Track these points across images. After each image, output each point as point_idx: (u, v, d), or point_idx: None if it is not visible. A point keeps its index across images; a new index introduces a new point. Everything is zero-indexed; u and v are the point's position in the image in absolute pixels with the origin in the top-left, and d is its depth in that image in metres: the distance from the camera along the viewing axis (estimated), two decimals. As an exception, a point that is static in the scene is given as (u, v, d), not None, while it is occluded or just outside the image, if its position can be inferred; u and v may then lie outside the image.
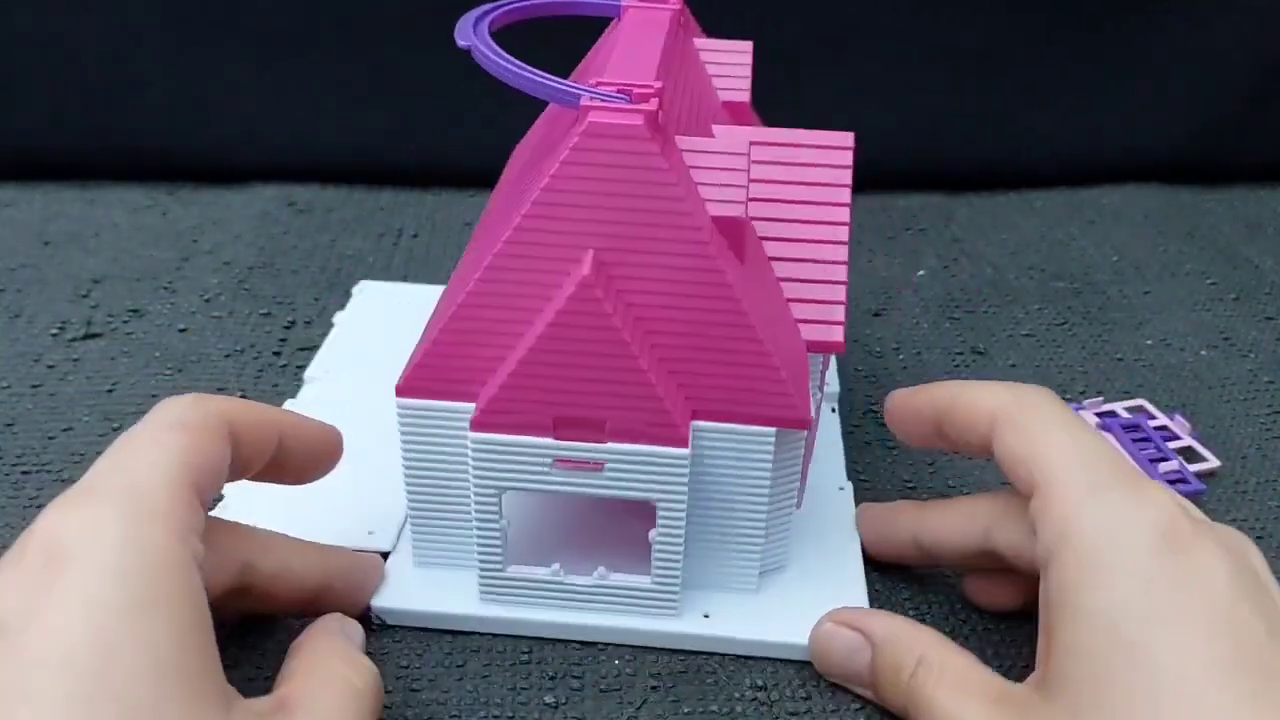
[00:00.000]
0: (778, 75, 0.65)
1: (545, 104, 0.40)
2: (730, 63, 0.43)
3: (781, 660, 0.36)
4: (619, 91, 0.31)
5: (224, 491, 0.32)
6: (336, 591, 0.34)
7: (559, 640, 0.36)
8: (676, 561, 0.35)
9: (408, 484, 0.36)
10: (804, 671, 0.35)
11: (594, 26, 0.44)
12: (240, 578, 0.31)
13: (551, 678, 0.35)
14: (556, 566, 0.36)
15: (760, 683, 0.35)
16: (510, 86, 0.33)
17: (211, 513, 0.32)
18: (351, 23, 0.64)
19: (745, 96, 0.42)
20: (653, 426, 0.32)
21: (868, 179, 0.67)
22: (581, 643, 0.36)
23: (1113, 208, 0.68)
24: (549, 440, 0.33)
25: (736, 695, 0.35)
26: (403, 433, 0.34)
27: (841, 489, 0.42)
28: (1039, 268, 0.61)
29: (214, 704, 0.24)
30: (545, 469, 0.33)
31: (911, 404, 0.36)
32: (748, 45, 0.44)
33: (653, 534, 0.34)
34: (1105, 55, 0.68)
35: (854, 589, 0.37)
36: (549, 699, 0.34)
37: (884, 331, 0.55)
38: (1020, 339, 0.55)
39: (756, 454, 0.34)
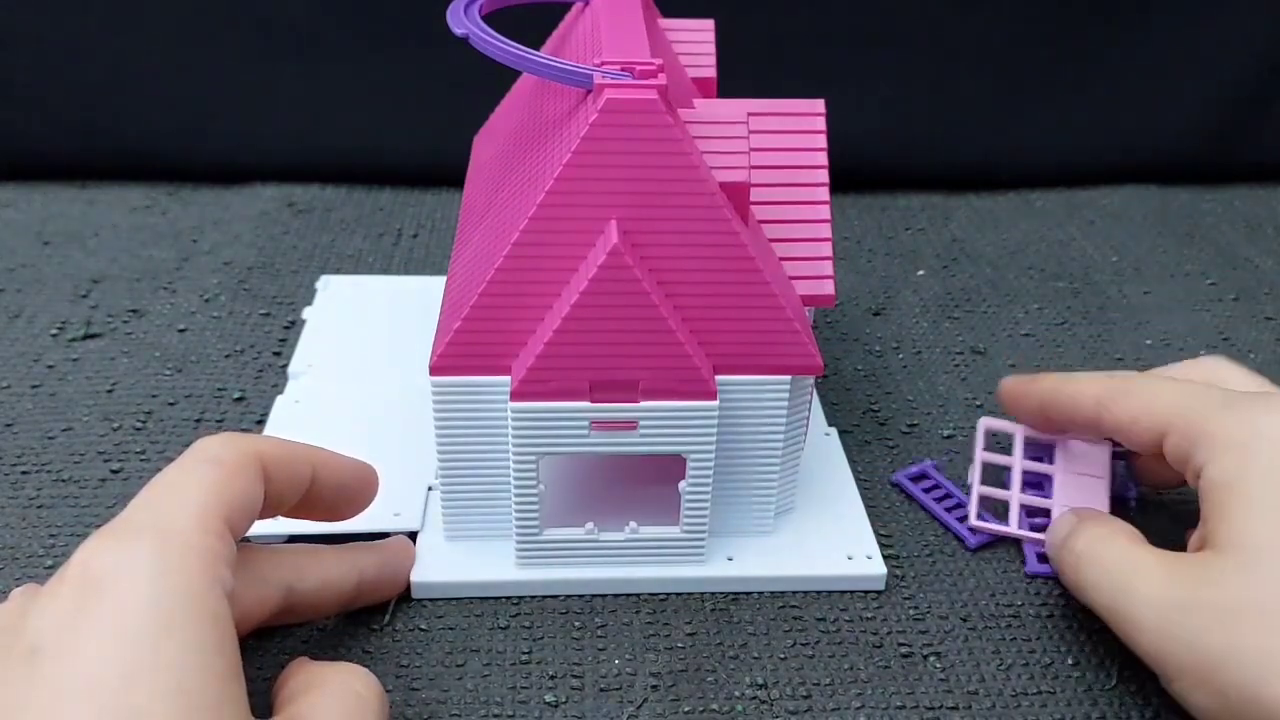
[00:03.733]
0: (777, 75, 0.65)
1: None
2: (694, 40, 0.46)
3: (781, 657, 0.36)
4: (622, 69, 0.33)
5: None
6: (375, 585, 0.36)
7: (595, 595, 0.38)
8: (705, 510, 0.37)
9: (441, 460, 0.37)
10: (804, 670, 0.35)
11: (543, 12, 0.45)
12: (285, 600, 0.32)
13: (551, 677, 0.35)
14: (590, 525, 0.37)
15: (760, 681, 0.35)
16: (506, 80, 0.34)
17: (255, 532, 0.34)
18: (351, 23, 0.64)
19: (711, 73, 0.45)
20: (683, 383, 0.34)
21: (868, 179, 0.68)
22: (607, 601, 0.37)
23: (1113, 208, 0.68)
24: (585, 404, 0.34)
25: (736, 694, 0.34)
26: (436, 410, 0.36)
27: (827, 434, 0.46)
28: (1039, 268, 0.61)
29: None
30: (583, 432, 0.35)
31: (1019, 392, 0.41)
32: (709, 24, 0.47)
33: (683, 485, 0.36)
34: (1105, 55, 0.68)
35: (858, 524, 0.41)
36: (549, 699, 0.34)
37: (884, 331, 0.55)
38: (1020, 339, 0.55)
39: (773, 401, 0.36)
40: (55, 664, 0.24)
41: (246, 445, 0.30)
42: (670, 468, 0.37)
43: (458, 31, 0.36)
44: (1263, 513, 0.31)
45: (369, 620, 0.36)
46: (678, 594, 0.38)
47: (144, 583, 0.25)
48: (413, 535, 0.39)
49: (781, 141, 0.38)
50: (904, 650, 0.36)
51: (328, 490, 0.33)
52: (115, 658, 0.24)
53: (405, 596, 0.38)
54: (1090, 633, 0.37)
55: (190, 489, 0.28)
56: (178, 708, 0.24)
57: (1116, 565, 0.33)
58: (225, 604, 0.26)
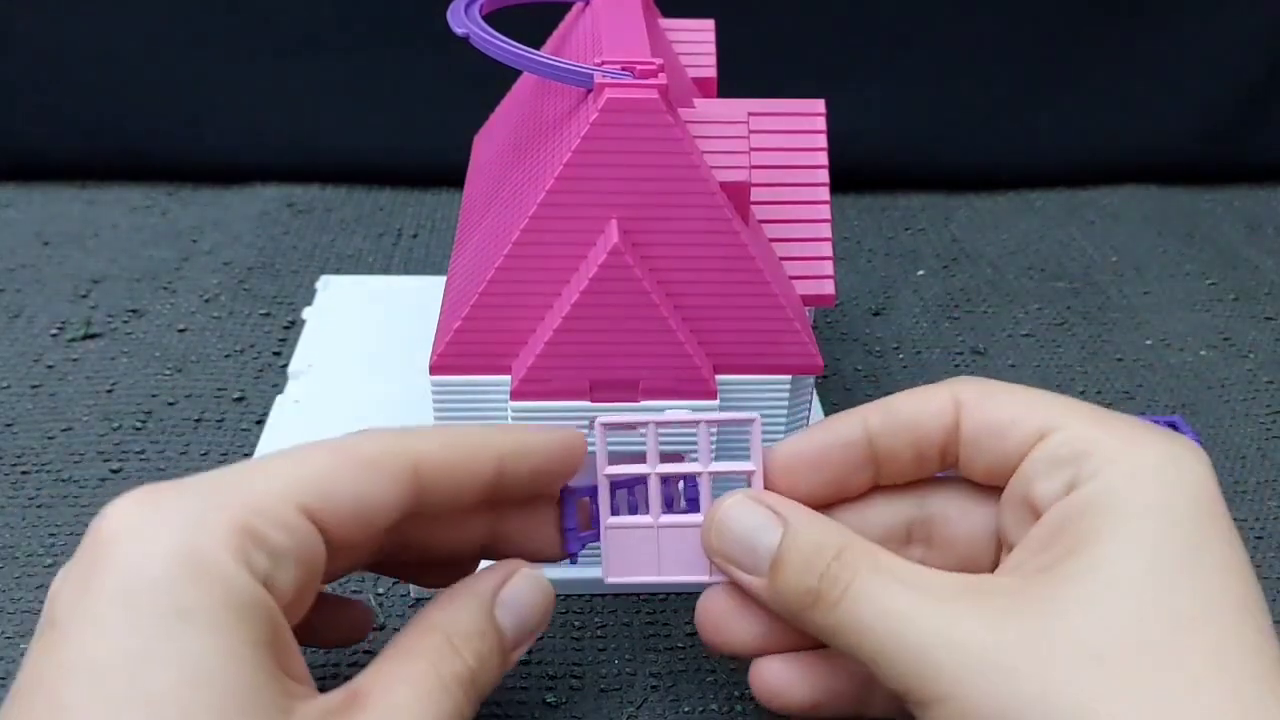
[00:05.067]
0: (777, 75, 0.65)
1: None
2: (694, 40, 0.46)
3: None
4: (622, 69, 0.33)
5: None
6: (516, 477, 0.29)
7: (595, 595, 0.38)
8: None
9: None
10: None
11: (543, 12, 0.45)
12: (495, 474, 0.28)
13: (551, 677, 0.35)
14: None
15: (760, 682, 0.35)
16: (506, 80, 0.34)
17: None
18: (351, 23, 0.64)
19: (711, 73, 0.45)
20: (684, 382, 0.34)
21: (868, 179, 0.68)
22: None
23: (1113, 208, 0.68)
24: (585, 404, 0.34)
25: (736, 695, 0.34)
26: (436, 410, 0.36)
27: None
28: (1039, 268, 0.61)
29: (262, 715, 0.22)
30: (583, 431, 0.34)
31: (825, 442, 0.30)
32: (709, 24, 0.47)
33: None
34: (1105, 55, 0.68)
35: None
36: (549, 699, 0.34)
37: (884, 331, 0.55)
38: (1020, 339, 0.55)
39: (773, 401, 0.36)
40: (65, 639, 0.22)
41: (395, 444, 0.26)
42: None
43: (458, 31, 0.36)
44: (1139, 550, 0.24)
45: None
46: (678, 594, 0.38)
47: (158, 558, 0.22)
48: None
49: (781, 141, 0.38)
50: (904, 650, 0.36)
51: (521, 479, 0.29)
52: (126, 638, 0.22)
53: (405, 596, 0.38)
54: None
55: (275, 467, 0.25)
56: (198, 698, 0.22)
57: (908, 606, 0.25)
58: (260, 593, 0.23)
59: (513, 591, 0.28)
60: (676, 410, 0.31)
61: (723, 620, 0.30)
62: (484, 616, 0.27)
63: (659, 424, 0.30)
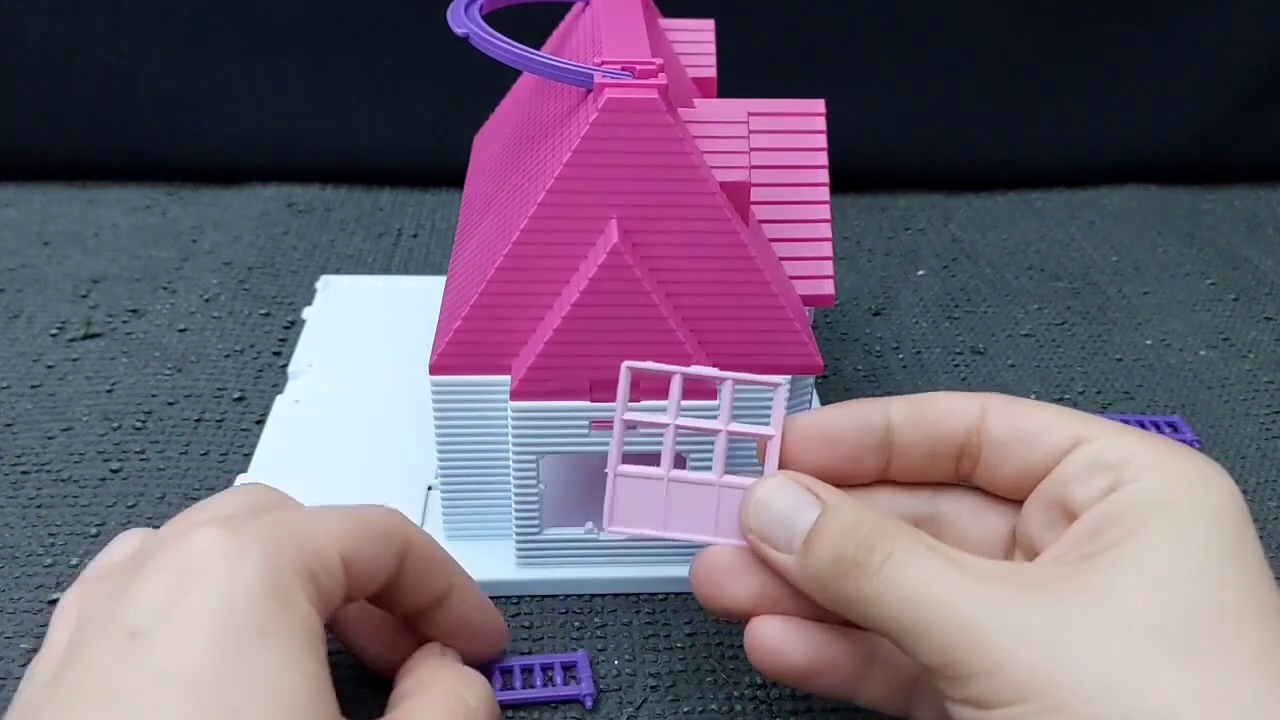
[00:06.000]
0: (777, 75, 0.65)
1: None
2: (695, 40, 0.46)
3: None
4: (623, 69, 0.33)
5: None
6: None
7: (595, 595, 0.38)
8: None
9: (441, 459, 0.37)
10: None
11: (543, 12, 0.45)
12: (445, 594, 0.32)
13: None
14: (590, 525, 0.37)
15: (760, 681, 0.35)
16: (506, 80, 0.34)
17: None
18: (350, 23, 0.64)
19: (711, 73, 0.45)
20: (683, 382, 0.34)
21: (868, 179, 0.68)
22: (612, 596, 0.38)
23: (1113, 208, 0.68)
24: (585, 403, 0.34)
25: (736, 695, 0.34)
26: (436, 410, 0.36)
27: None
28: (1039, 268, 0.61)
29: None
30: (583, 431, 0.35)
31: (846, 420, 0.30)
32: (709, 24, 0.47)
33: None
34: (1105, 55, 0.68)
35: None
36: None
37: (884, 331, 0.55)
38: (1020, 339, 0.55)
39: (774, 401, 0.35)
40: (155, 649, 0.24)
41: (400, 526, 0.30)
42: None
43: (458, 31, 0.36)
44: (1191, 543, 0.25)
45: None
46: (677, 594, 0.38)
47: (244, 578, 0.25)
48: None
49: (781, 141, 0.38)
50: (904, 650, 0.36)
51: (453, 612, 0.32)
52: (214, 651, 0.24)
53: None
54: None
55: (322, 521, 0.28)
56: (274, 710, 0.23)
57: (949, 582, 0.25)
58: (316, 618, 0.26)
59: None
60: (703, 370, 0.30)
61: (722, 577, 0.30)
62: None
63: (685, 377, 0.30)
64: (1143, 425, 0.48)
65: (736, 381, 0.30)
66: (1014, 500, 0.30)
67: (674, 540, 0.30)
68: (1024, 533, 0.29)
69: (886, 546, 0.26)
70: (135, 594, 0.25)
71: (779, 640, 0.29)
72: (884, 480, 0.31)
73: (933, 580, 0.25)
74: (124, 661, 0.24)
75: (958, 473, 0.30)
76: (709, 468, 0.30)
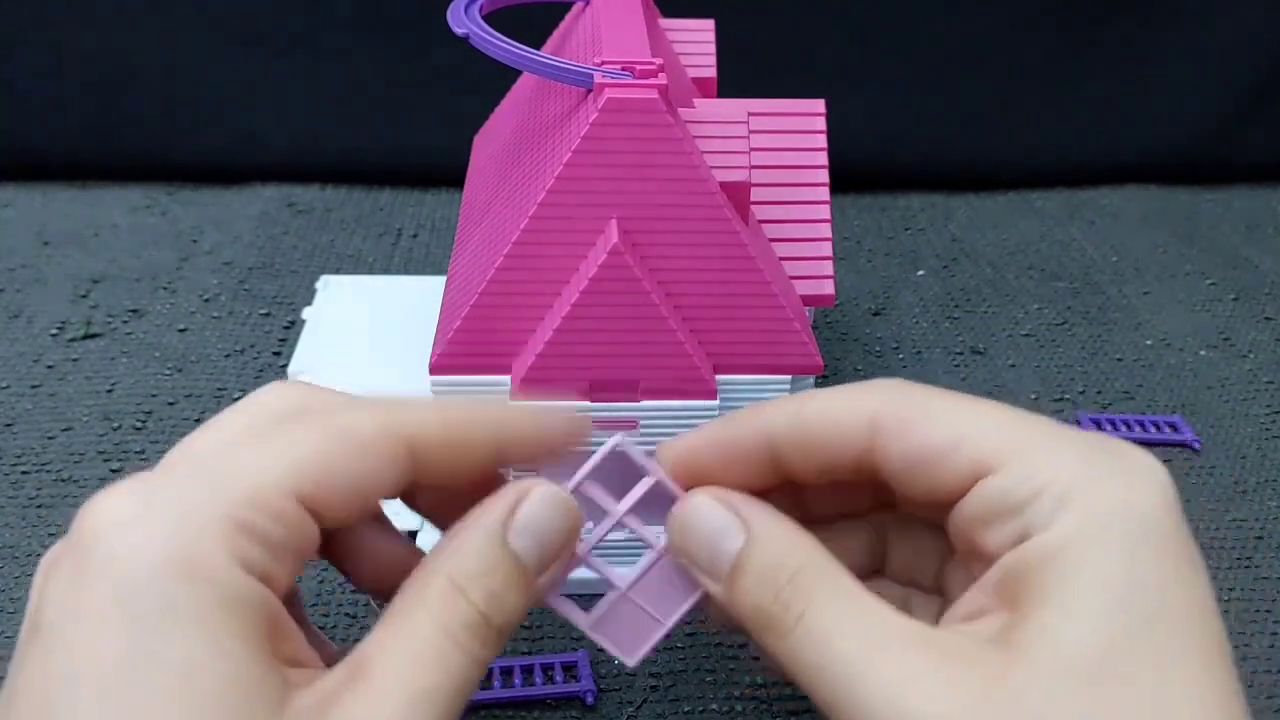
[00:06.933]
0: (777, 75, 0.65)
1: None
2: (695, 40, 0.46)
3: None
4: (623, 69, 0.33)
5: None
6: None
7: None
8: None
9: None
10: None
11: (543, 12, 0.45)
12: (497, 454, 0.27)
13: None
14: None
15: (760, 681, 0.35)
16: (506, 80, 0.34)
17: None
18: (351, 23, 0.64)
19: (711, 73, 0.45)
20: (683, 382, 0.34)
21: (868, 179, 0.68)
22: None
23: (1113, 208, 0.68)
24: (585, 403, 0.35)
25: (736, 694, 0.34)
26: None
27: None
28: (1039, 268, 0.61)
29: (260, 710, 0.22)
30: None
31: (720, 443, 0.27)
32: (709, 24, 0.47)
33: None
34: (1105, 55, 0.68)
35: None
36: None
37: (884, 331, 0.55)
38: (1020, 339, 0.55)
39: None
40: (51, 643, 0.21)
41: (392, 422, 0.25)
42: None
43: (458, 31, 0.36)
44: (1094, 622, 0.22)
45: (365, 618, 0.36)
46: None
47: (147, 554, 0.21)
48: (413, 535, 0.39)
49: (781, 141, 0.39)
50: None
51: (520, 460, 0.27)
52: (114, 642, 0.21)
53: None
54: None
55: (269, 451, 0.24)
56: (188, 705, 0.21)
57: (859, 654, 0.23)
58: (254, 588, 0.22)
59: (529, 514, 0.26)
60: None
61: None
62: (494, 548, 0.25)
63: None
64: (1143, 425, 0.48)
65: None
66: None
67: (682, 620, 0.28)
68: (946, 569, 0.27)
69: (800, 604, 0.24)
70: (40, 578, 0.23)
71: None
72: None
73: (839, 655, 0.23)
74: (36, 662, 0.21)
75: (860, 477, 0.26)
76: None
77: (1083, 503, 0.23)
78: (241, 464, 0.23)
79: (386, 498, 0.26)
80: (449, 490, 0.27)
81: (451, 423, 0.26)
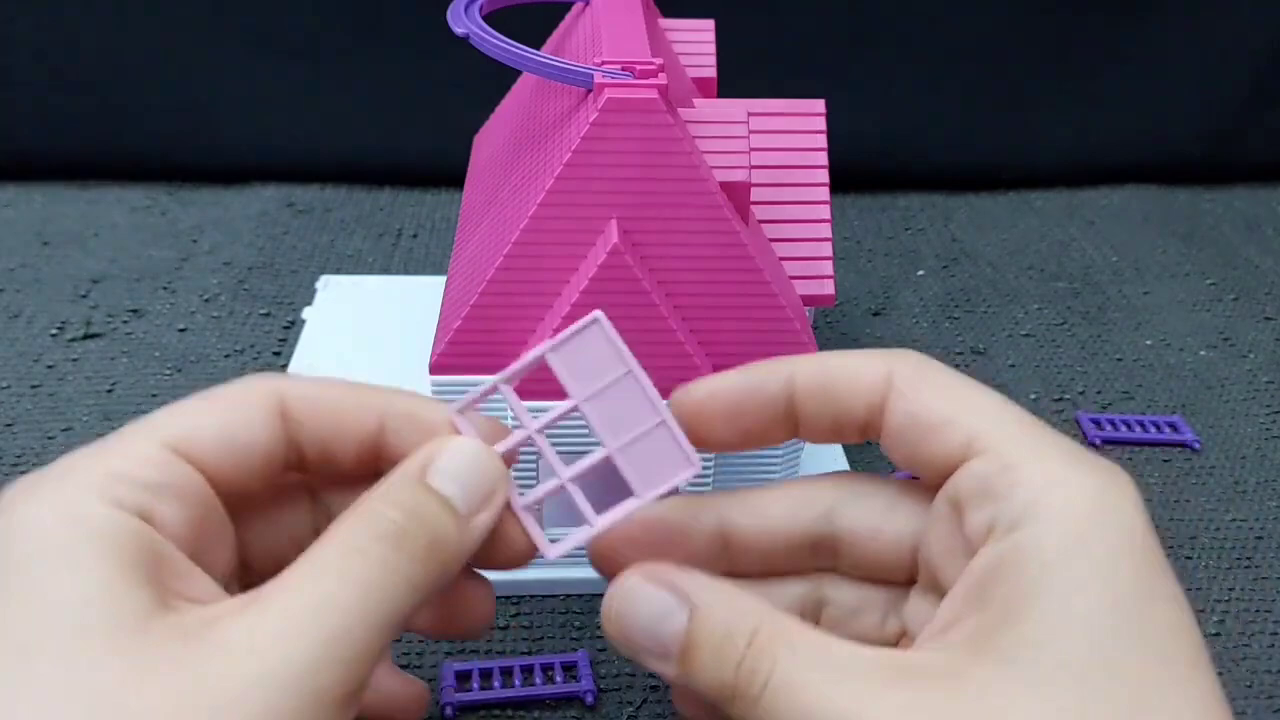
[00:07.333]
0: (777, 75, 0.65)
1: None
2: (694, 40, 0.46)
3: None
4: (623, 69, 0.33)
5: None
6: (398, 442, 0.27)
7: (595, 595, 0.37)
8: None
9: None
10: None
11: (543, 12, 0.45)
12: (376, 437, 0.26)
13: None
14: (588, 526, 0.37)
15: (760, 682, 0.35)
16: (506, 80, 0.34)
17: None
18: (351, 23, 0.64)
19: (711, 73, 0.45)
20: (683, 382, 0.34)
21: (868, 179, 0.68)
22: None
23: (1112, 208, 0.68)
24: (502, 376, 0.34)
25: None
26: None
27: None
28: (1039, 268, 0.61)
29: (117, 623, 0.21)
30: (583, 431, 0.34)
31: (744, 391, 0.27)
32: (709, 24, 0.47)
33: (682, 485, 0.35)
34: (1105, 55, 0.68)
35: None
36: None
37: (884, 331, 0.55)
38: (1020, 339, 0.55)
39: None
40: None
41: (261, 382, 0.26)
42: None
43: (458, 31, 0.36)
44: (1073, 630, 0.22)
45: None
46: None
47: (32, 509, 0.23)
48: None
49: (781, 141, 0.39)
50: (904, 650, 0.36)
51: (407, 448, 0.26)
52: None
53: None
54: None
55: (144, 420, 0.25)
56: (41, 627, 0.21)
57: (835, 703, 0.22)
58: (127, 521, 0.23)
59: (447, 460, 0.25)
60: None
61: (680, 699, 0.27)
62: (410, 484, 0.25)
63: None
64: (1142, 425, 0.48)
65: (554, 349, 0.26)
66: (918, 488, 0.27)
67: (613, 527, 0.27)
68: (927, 549, 0.26)
69: (765, 667, 0.23)
70: None
71: None
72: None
73: (816, 708, 0.22)
74: None
75: (865, 438, 0.27)
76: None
77: (1064, 506, 0.23)
78: (119, 433, 0.25)
79: (266, 453, 0.25)
80: (341, 471, 0.27)
81: (329, 389, 0.26)
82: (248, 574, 0.27)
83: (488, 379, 0.27)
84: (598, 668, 0.35)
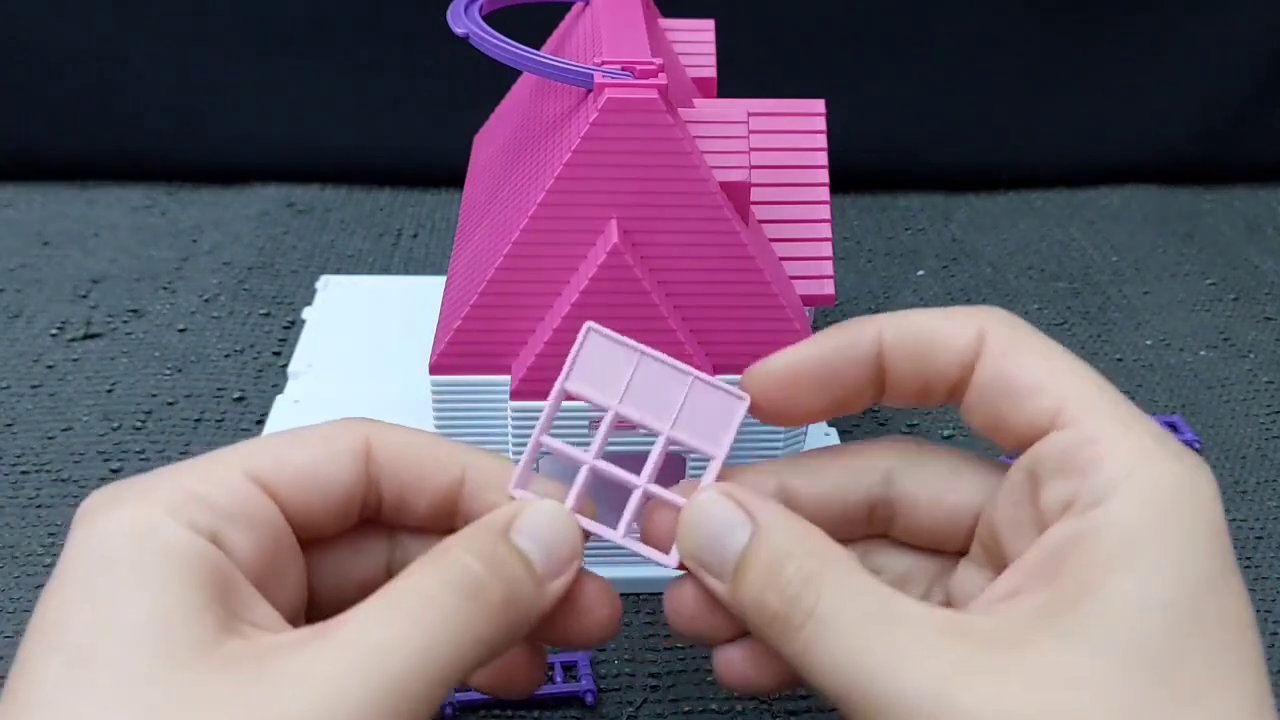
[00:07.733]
0: (777, 75, 0.65)
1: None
2: (694, 40, 0.46)
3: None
4: (623, 69, 0.33)
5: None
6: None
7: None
8: None
9: None
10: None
11: (543, 12, 0.45)
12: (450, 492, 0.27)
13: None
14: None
15: (760, 682, 0.35)
16: (506, 80, 0.34)
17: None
18: (351, 23, 0.65)
19: (711, 73, 0.45)
20: None
21: (868, 179, 0.68)
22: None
23: (1113, 208, 0.68)
24: (585, 404, 0.34)
25: (736, 694, 0.34)
26: (436, 410, 0.36)
27: (827, 434, 0.45)
28: (1039, 268, 0.61)
29: (182, 642, 0.21)
30: (583, 432, 0.35)
31: (830, 352, 0.26)
32: (709, 24, 0.47)
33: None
34: (1105, 55, 0.68)
35: None
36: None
37: (884, 331, 0.55)
38: (1020, 339, 0.55)
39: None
40: (36, 618, 0.22)
41: (352, 423, 0.26)
42: (670, 468, 0.37)
43: (458, 31, 0.36)
44: (1149, 610, 0.21)
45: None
46: None
47: (109, 525, 0.23)
48: None
49: (781, 141, 0.39)
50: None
51: (485, 505, 0.26)
52: (70, 600, 0.22)
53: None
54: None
55: (231, 447, 0.25)
56: (109, 637, 0.21)
57: (888, 649, 0.22)
58: (198, 543, 0.23)
59: (530, 520, 0.25)
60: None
61: (692, 611, 0.27)
62: (495, 538, 0.25)
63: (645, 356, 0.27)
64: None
65: (700, 381, 0.27)
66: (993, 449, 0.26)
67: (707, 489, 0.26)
68: (993, 517, 0.26)
69: (811, 598, 0.23)
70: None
71: (743, 668, 0.27)
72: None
73: (861, 648, 0.22)
74: (27, 642, 0.22)
75: (952, 401, 0.27)
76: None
77: (1149, 489, 0.23)
78: (204, 456, 0.25)
79: (347, 492, 0.26)
80: (414, 521, 0.27)
81: (416, 437, 0.27)
82: (314, 611, 0.27)
83: (527, 439, 0.27)
84: (598, 668, 0.35)
